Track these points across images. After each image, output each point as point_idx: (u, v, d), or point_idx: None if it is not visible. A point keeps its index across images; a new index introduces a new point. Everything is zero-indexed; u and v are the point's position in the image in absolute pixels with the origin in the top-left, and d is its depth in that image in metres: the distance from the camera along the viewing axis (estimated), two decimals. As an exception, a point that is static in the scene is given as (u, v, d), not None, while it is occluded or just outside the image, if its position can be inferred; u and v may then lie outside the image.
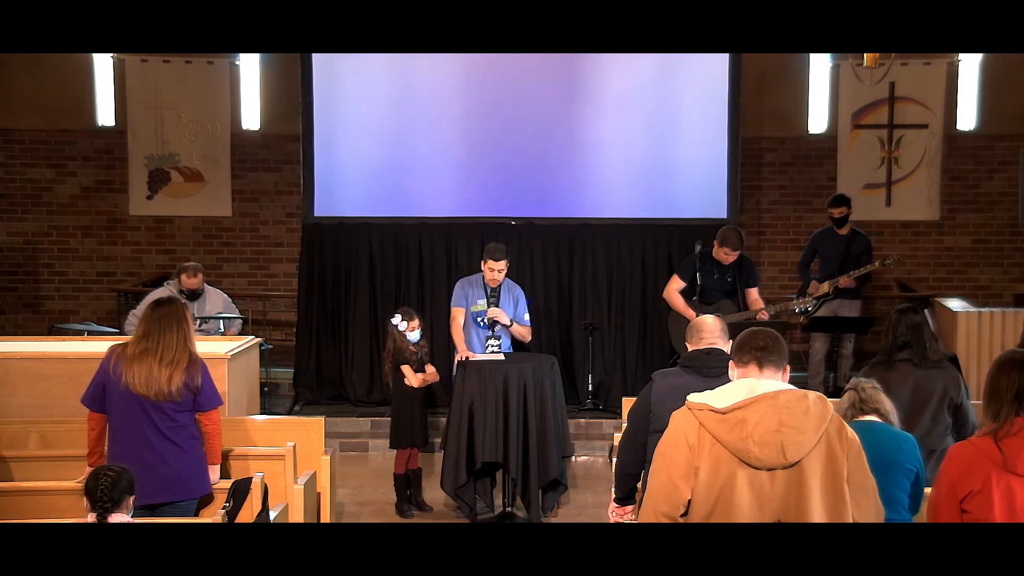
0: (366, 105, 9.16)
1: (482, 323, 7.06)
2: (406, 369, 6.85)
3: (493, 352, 6.94)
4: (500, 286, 7.09)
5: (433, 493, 7.10)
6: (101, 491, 4.15)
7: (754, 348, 3.32)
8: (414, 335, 6.92)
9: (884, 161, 10.54)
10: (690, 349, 4.41)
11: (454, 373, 7.00)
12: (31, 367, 6.41)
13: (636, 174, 9.20)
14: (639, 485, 4.36)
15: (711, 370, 4.18)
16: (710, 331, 4.35)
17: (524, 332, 7.22)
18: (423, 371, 6.95)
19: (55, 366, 6.38)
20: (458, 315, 7.08)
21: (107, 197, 10.93)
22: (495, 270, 7.02)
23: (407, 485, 6.92)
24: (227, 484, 4.90)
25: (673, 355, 7.72)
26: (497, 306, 7.06)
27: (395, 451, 6.97)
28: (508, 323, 7.07)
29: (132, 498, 4.27)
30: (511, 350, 7.16)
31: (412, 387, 6.85)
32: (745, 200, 10.32)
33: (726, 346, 4.37)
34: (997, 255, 10.74)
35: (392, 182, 9.22)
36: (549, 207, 9.21)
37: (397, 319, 6.92)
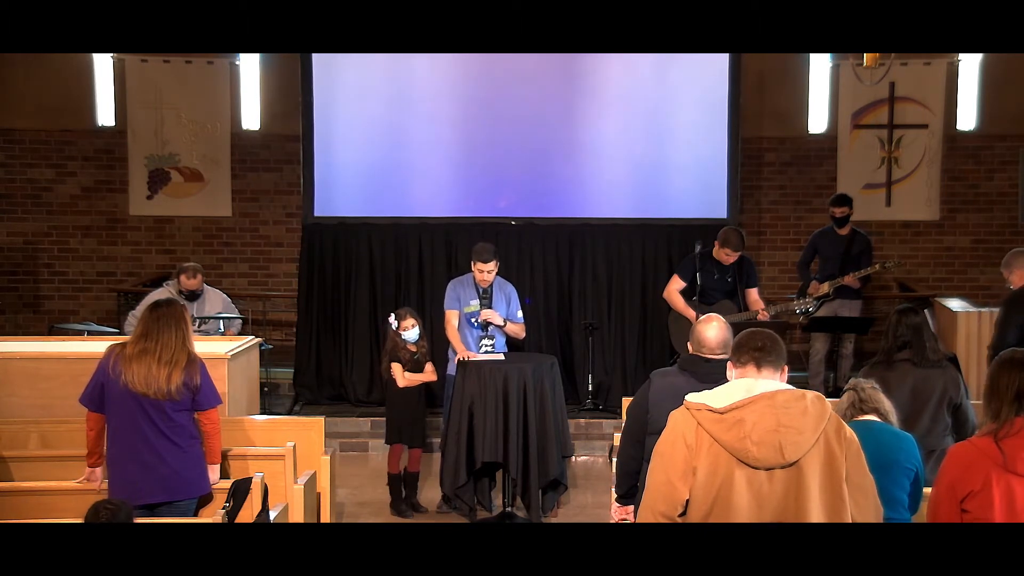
0: (366, 105, 9.16)
1: (476, 324, 7.06)
2: (395, 367, 6.88)
3: (488, 352, 6.94)
4: (491, 285, 7.09)
5: (429, 494, 7.11)
6: None
7: (752, 348, 3.32)
8: (409, 334, 6.93)
9: (884, 161, 10.54)
10: (690, 351, 4.37)
11: (451, 372, 7.00)
12: (31, 367, 6.41)
13: (636, 174, 9.19)
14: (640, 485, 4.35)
15: (707, 375, 4.11)
16: (710, 350, 4.21)
17: (518, 330, 7.23)
18: (420, 371, 6.96)
19: (55, 366, 6.38)
20: (452, 317, 7.07)
21: (107, 197, 10.93)
22: (484, 271, 7.02)
23: (400, 484, 6.93)
24: (227, 484, 4.90)
25: (673, 355, 7.72)
26: (490, 306, 7.06)
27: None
28: (502, 323, 7.07)
29: None
30: (505, 348, 7.17)
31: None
32: (745, 200, 10.32)
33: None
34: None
35: (392, 182, 9.22)
36: (549, 207, 9.21)
37: (391, 318, 6.97)
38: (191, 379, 4.85)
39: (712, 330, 4.22)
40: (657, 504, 3.23)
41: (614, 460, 4.64)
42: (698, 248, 7.76)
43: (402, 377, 6.88)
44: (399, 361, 6.90)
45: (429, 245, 9.16)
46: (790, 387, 3.26)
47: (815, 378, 9.01)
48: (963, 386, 5.18)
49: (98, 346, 5.98)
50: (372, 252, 9.19)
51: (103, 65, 10.66)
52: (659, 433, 3.38)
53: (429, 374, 7.04)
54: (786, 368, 3.37)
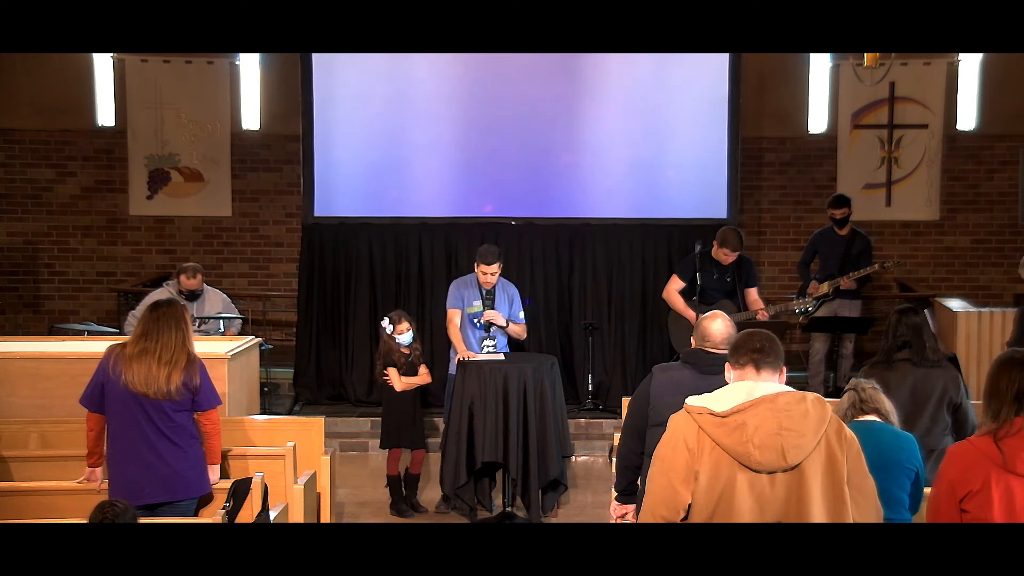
0: (366, 105, 9.15)
1: (478, 324, 7.06)
2: (391, 371, 6.88)
3: (490, 352, 6.95)
4: (495, 287, 7.10)
5: (429, 494, 7.11)
6: None
7: (751, 350, 3.31)
8: (403, 338, 6.93)
9: (884, 161, 10.54)
10: (694, 345, 4.39)
11: (452, 372, 7.01)
12: (31, 367, 6.41)
13: (636, 174, 9.19)
14: (640, 482, 4.35)
15: (710, 367, 4.14)
16: (714, 344, 4.24)
17: (519, 331, 7.24)
18: (414, 374, 6.96)
19: (55, 366, 6.38)
20: (454, 316, 7.08)
21: (107, 197, 10.93)
22: (488, 273, 7.02)
23: (400, 485, 6.93)
24: (227, 484, 4.90)
25: (673, 355, 7.72)
26: (493, 307, 7.07)
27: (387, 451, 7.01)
28: (504, 324, 7.08)
29: None
30: (507, 348, 7.17)
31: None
32: (745, 200, 10.32)
33: None
34: (997, 255, 10.74)
35: (392, 182, 9.22)
36: (549, 207, 9.21)
37: (385, 322, 6.97)
38: (191, 379, 4.85)
39: (717, 325, 4.28)
40: (659, 508, 3.22)
41: (614, 460, 4.64)
42: (698, 248, 7.75)
43: (399, 381, 6.87)
44: (394, 365, 6.90)
45: (429, 245, 9.16)
46: (791, 389, 3.25)
47: (815, 378, 9.01)
48: (963, 386, 5.18)
49: (98, 346, 5.99)
50: (372, 252, 9.18)
51: (103, 65, 10.66)
52: (660, 425, 3.37)
53: (424, 376, 7.04)
54: (784, 369, 3.37)
